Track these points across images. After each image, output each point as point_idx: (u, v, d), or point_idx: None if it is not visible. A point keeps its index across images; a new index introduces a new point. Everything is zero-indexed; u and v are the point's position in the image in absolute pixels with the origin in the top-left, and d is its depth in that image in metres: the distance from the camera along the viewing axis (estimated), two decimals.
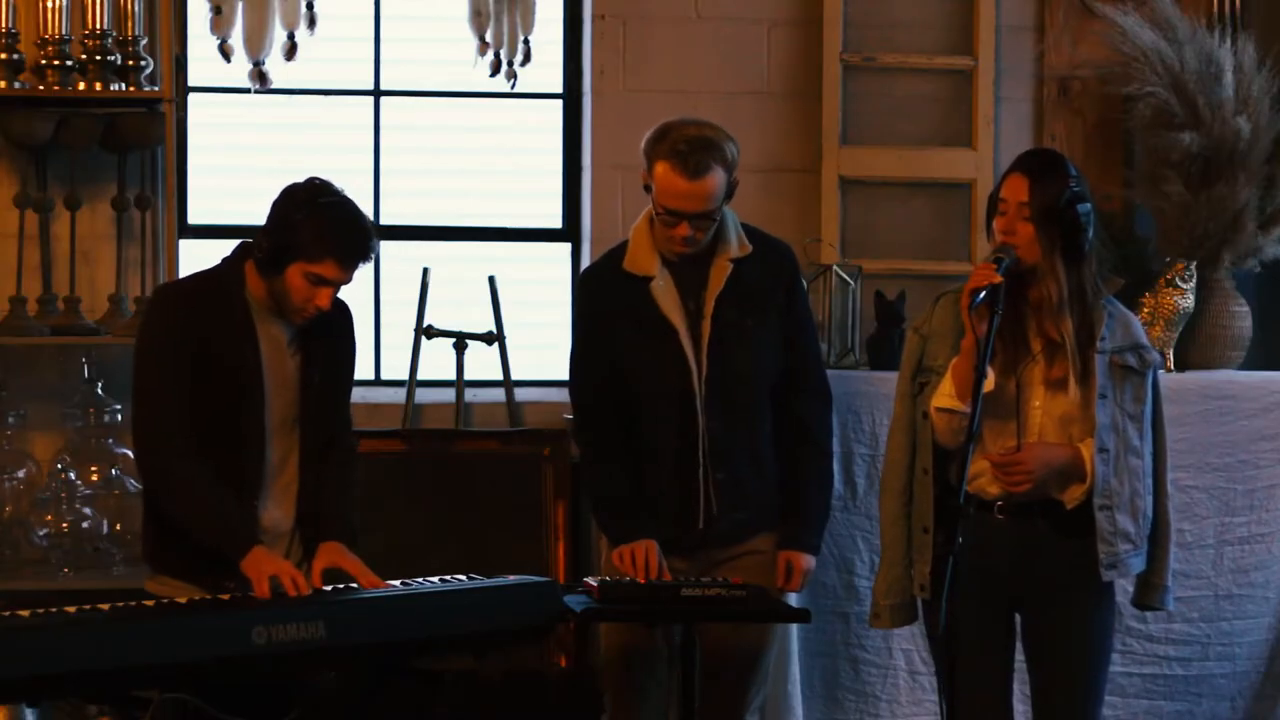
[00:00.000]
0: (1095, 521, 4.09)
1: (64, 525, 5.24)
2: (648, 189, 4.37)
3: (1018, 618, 4.23)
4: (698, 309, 4.41)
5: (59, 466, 5.30)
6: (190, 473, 3.92)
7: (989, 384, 3.94)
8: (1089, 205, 4.09)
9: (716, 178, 4.30)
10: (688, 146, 4.27)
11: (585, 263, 5.76)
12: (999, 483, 4.09)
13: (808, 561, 4.46)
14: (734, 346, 4.40)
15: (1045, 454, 4.08)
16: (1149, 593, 4.27)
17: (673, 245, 4.37)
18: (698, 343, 4.41)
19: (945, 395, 4.09)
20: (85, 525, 5.25)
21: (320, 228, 3.90)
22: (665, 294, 4.41)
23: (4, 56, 5.20)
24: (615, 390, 4.46)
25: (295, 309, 3.97)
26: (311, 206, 3.92)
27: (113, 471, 5.31)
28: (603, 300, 4.49)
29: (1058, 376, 4.11)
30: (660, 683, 4.50)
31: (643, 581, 4.24)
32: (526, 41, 5.64)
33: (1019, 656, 4.27)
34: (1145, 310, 5.42)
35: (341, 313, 4.15)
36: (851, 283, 5.55)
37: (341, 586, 3.92)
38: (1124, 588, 4.85)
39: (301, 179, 4.01)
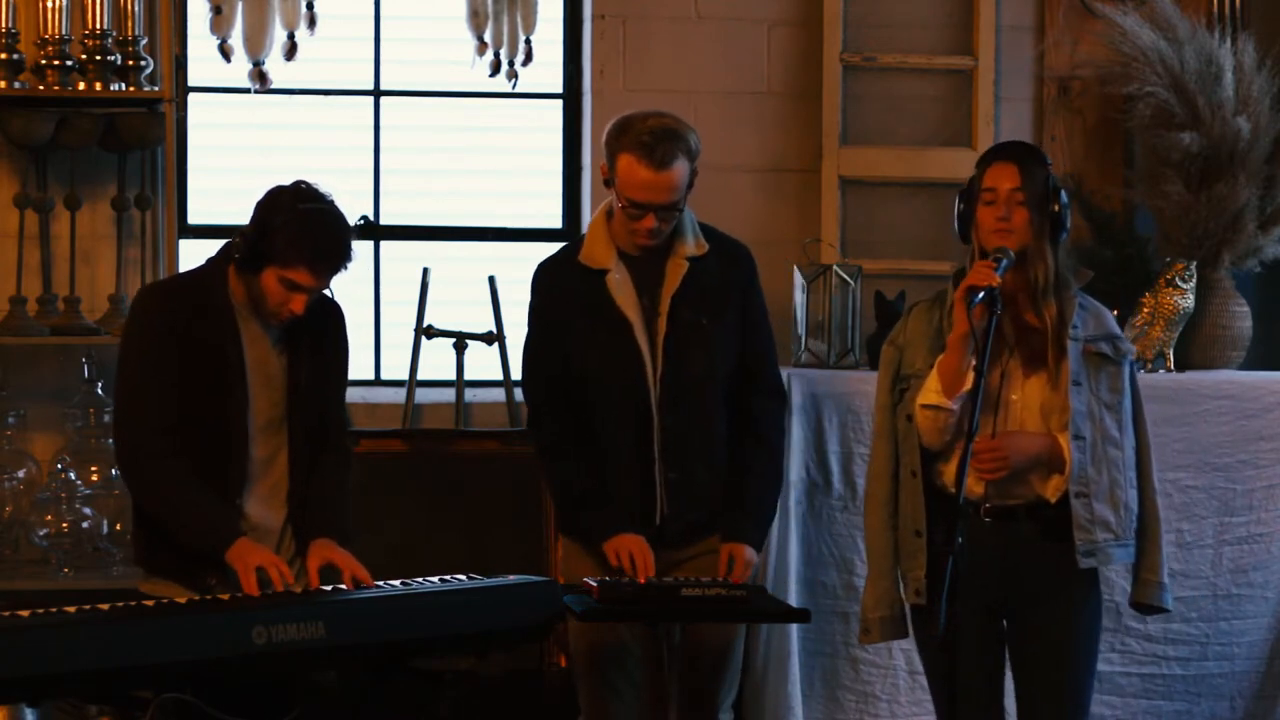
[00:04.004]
0: (1071, 509, 4.08)
1: (64, 525, 5.24)
2: (608, 184, 4.35)
3: (1004, 621, 4.23)
4: (653, 305, 4.38)
5: (59, 466, 5.30)
6: (170, 470, 3.93)
7: (969, 381, 3.94)
8: (1065, 194, 4.13)
9: (681, 168, 4.28)
10: (652, 138, 4.25)
11: None
12: (975, 472, 4.07)
13: (749, 553, 4.37)
14: (689, 346, 4.37)
15: (1020, 442, 4.08)
16: (1145, 590, 4.25)
17: (636, 238, 4.35)
18: (653, 340, 4.38)
19: (931, 392, 4.09)
20: (85, 525, 5.26)
21: (296, 234, 3.90)
22: (621, 288, 4.38)
23: (4, 56, 5.21)
24: (569, 386, 4.43)
25: (270, 312, 3.98)
26: (290, 211, 3.92)
27: (113, 472, 5.31)
28: (557, 292, 4.44)
29: (1036, 367, 4.11)
30: (634, 682, 4.48)
31: (642, 580, 4.24)
32: (528, 41, 5.65)
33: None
34: (1145, 310, 5.42)
35: (331, 313, 4.15)
36: (851, 283, 5.55)
37: (341, 586, 3.92)
38: (1123, 588, 4.86)
39: (289, 181, 4.01)
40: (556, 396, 4.43)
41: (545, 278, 4.51)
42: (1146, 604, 4.27)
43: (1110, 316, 4.25)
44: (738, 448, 4.44)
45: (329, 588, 3.91)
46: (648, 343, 4.37)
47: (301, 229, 3.91)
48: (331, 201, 3.99)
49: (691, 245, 4.41)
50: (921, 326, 4.21)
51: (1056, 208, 4.09)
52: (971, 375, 3.95)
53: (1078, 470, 4.07)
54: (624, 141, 4.28)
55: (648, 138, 4.24)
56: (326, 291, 4.13)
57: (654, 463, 4.37)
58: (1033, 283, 4.09)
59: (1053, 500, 4.11)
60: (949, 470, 4.11)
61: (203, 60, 5.64)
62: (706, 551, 4.41)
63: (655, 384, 4.36)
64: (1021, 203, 4.07)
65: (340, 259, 3.96)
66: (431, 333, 5.66)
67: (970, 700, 4.11)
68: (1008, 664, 4.25)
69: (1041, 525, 4.11)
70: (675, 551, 4.41)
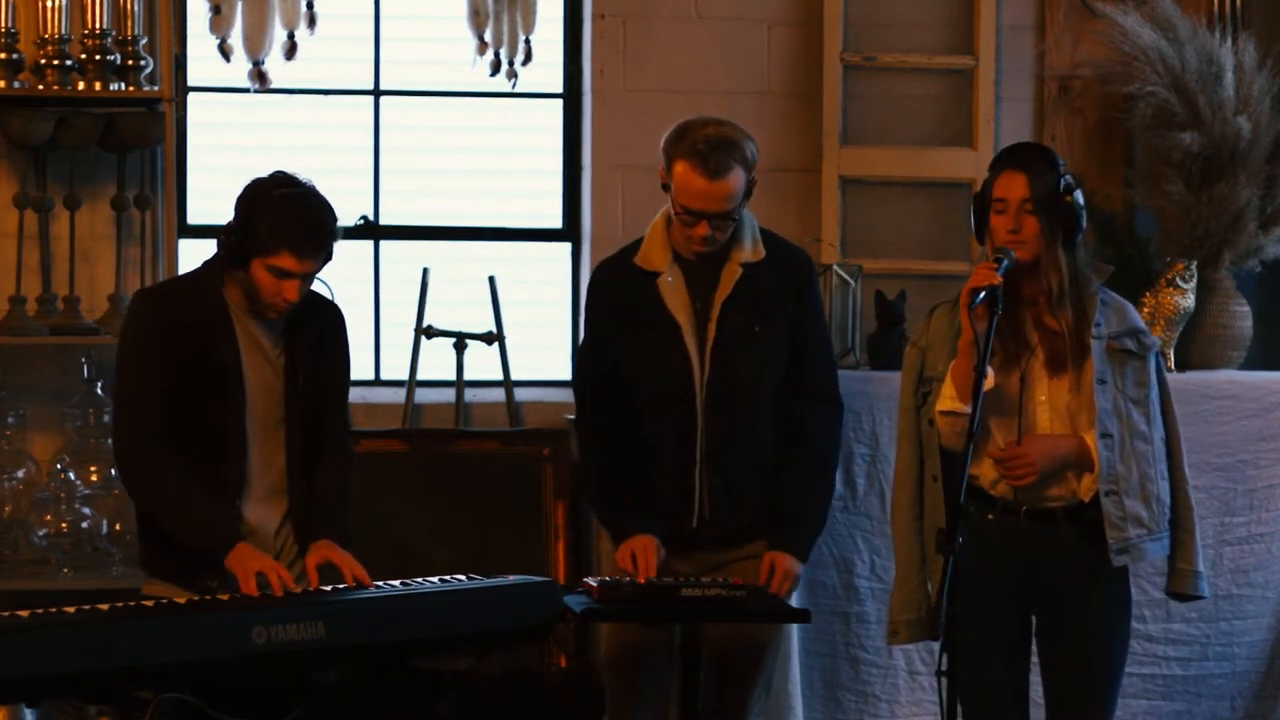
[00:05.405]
0: (1103, 507, 4.09)
1: (64, 525, 5.24)
2: (666, 188, 4.36)
3: (1033, 619, 4.23)
4: (704, 310, 4.41)
5: (59, 466, 5.29)
6: (168, 473, 3.93)
7: (990, 382, 3.94)
8: (1080, 192, 4.12)
9: (736, 178, 4.29)
10: (707, 146, 4.26)
11: (585, 263, 5.76)
12: (1004, 479, 4.09)
13: (791, 563, 4.37)
14: (738, 351, 4.39)
15: (1048, 446, 4.08)
16: (1181, 580, 4.25)
17: (691, 244, 4.37)
18: (702, 344, 4.40)
19: (947, 398, 4.09)
20: (85, 525, 5.25)
21: (276, 220, 3.91)
22: (673, 291, 4.40)
23: (3, 56, 5.20)
24: (617, 385, 4.45)
25: (266, 304, 3.98)
26: (268, 199, 3.94)
27: (112, 472, 5.30)
28: (611, 294, 4.48)
29: (1058, 368, 4.12)
30: (661, 682, 4.49)
31: (642, 581, 4.24)
32: (527, 41, 5.64)
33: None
34: (1146, 310, 5.42)
35: (330, 313, 4.15)
36: (851, 283, 5.55)
37: (341, 586, 3.92)
38: (1140, 584, 4.85)
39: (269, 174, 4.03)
40: (603, 396, 4.46)
41: (601, 278, 4.55)
42: (1183, 593, 4.28)
43: (1133, 310, 4.25)
44: (787, 456, 4.44)
45: (329, 588, 3.91)
46: (696, 347, 4.39)
47: (281, 215, 3.92)
48: (311, 186, 3.99)
49: (748, 251, 4.41)
50: (943, 329, 4.21)
51: (1068, 202, 4.07)
52: (991, 377, 3.95)
53: (1106, 468, 4.08)
54: (680, 148, 4.29)
55: (703, 146, 4.25)
56: (326, 294, 4.14)
57: (695, 466, 4.38)
58: (1048, 290, 4.09)
59: (1086, 500, 4.11)
60: (981, 471, 4.12)
61: (202, 60, 5.63)
62: (750, 556, 4.41)
63: (701, 388, 4.38)
64: (1031, 212, 4.07)
65: (323, 239, 3.95)
66: (431, 333, 5.65)
67: (994, 698, 4.13)
68: (1033, 662, 4.25)
69: (1079, 526, 4.12)
70: (716, 554, 4.42)
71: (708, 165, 4.25)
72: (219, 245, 4.01)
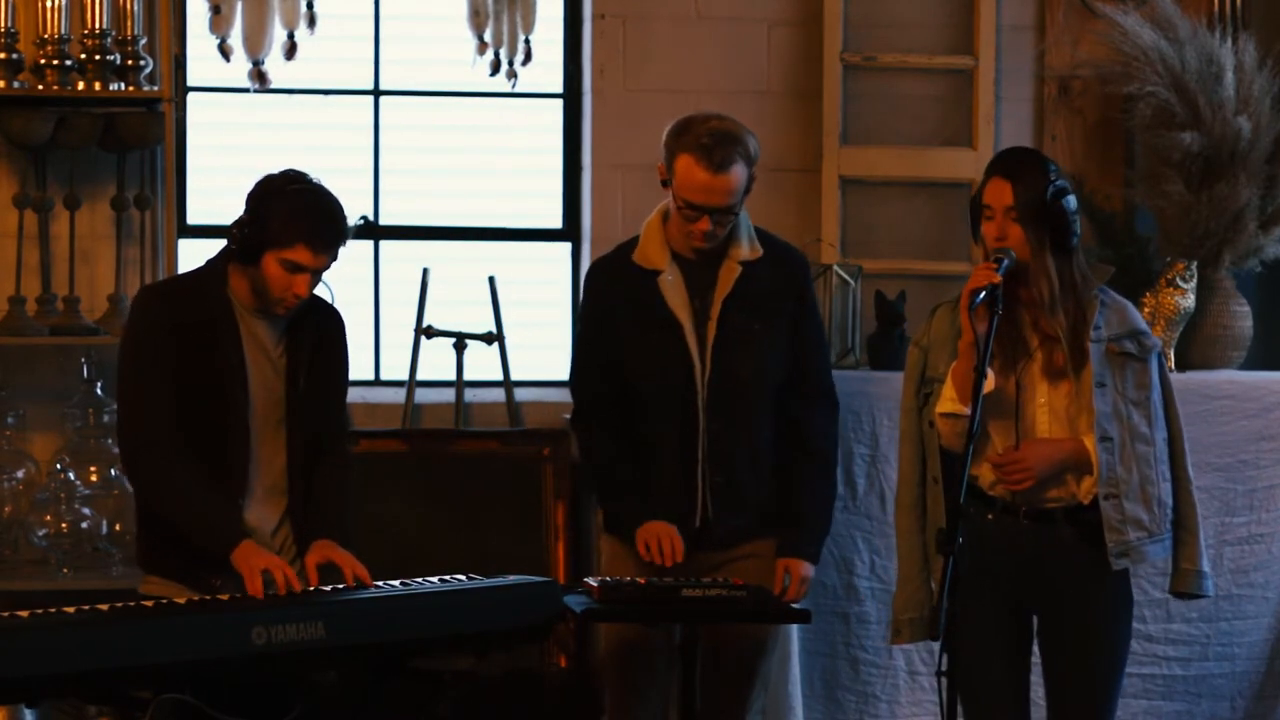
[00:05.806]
0: (1102, 511, 4.09)
1: (63, 525, 5.24)
2: (665, 184, 4.36)
3: (1034, 619, 4.23)
4: (704, 308, 4.40)
5: (58, 466, 5.30)
6: (175, 471, 3.92)
7: (989, 385, 3.94)
8: (1073, 198, 4.10)
9: (739, 172, 4.29)
10: (711, 140, 4.26)
11: (585, 263, 5.76)
12: (1001, 484, 4.09)
13: (806, 569, 4.41)
14: (738, 350, 4.39)
15: (1046, 450, 4.08)
16: (1184, 579, 4.25)
17: (692, 240, 4.36)
18: (702, 343, 4.39)
19: (947, 400, 4.09)
20: (84, 525, 5.25)
21: (289, 214, 3.92)
22: (673, 290, 4.40)
23: (3, 56, 5.20)
24: (616, 384, 4.45)
25: (275, 299, 3.98)
26: (282, 194, 3.94)
27: (112, 472, 5.31)
28: (609, 292, 4.48)
29: (1057, 372, 4.12)
30: (661, 682, 4.49)
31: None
32: (527, 41, 5.65)
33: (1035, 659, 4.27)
34: (1146, 310, 5.42)
35: (331, 316, 4.15)
36: (851, 283, 5.55)
37: (341, 586, 3.91)
38: (1140, 584, 4.85)
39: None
40: (602, 395, 4.46)
41: (598, 277, 4.54)
42: (1186, 593, 4.27)
43: (1134, 311, 4.24)
44: (789, 459, 4.46)
45: (329, 588, 3.91)
46: (697, 345, 4.39)
47: (295, 209, 3.92)
48: (321, 184, 4.00)
49: (746, 249, 4.42)
50: (944, 329, 4.21)
51: (1056, 209, 4.06)
52: (991, 379, 3.95)
53: (1106, 472, 4.08)
54: (683, 142, 4.29)
55: (707, 140, 4.25)
56: (326, 296, 4.14)
57: (697, 465, 4.38)
58: (1039, 297, 4.08)
59: (1085, 502, 4.11)
60: (981, 472, 4.12)
61: (202, 60, 5.63)
62: (748, 555, 4.43)
63: (703, 387, 4.38)
64: (1016, 219, 4.06)
65: (337, 234, 3.96)
66: (431, 333, 5.65)
67: (994, 698, 4.13)
68: (1033, 663, 4.25)
69: (1078, 527, 4.12)
70: (716, 554, 4.42)
71: (712, 159, 4.25)
72: (229, 239, 4.01)
